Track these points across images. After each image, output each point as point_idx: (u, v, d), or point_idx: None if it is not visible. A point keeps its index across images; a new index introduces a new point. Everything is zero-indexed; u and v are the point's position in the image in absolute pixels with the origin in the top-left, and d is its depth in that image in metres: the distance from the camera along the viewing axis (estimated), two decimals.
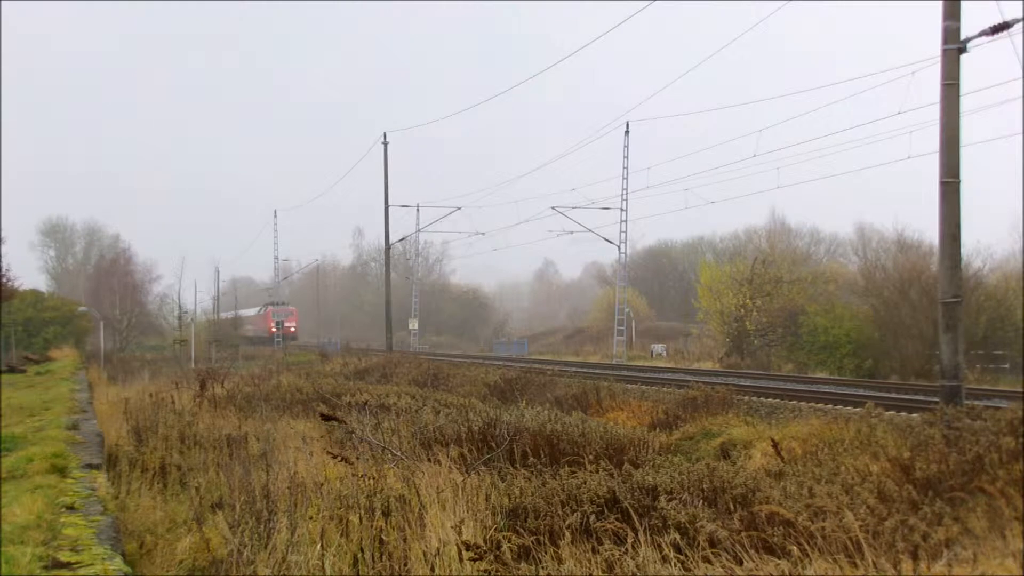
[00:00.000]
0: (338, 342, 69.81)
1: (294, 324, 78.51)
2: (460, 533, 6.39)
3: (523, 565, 6.06)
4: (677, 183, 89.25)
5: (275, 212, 75.39)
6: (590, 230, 48.31)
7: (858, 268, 48.29)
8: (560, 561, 6.27)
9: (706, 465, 8.53)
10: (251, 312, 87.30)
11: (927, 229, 52.90)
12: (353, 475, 8.23)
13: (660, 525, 6.77)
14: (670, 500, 7.23)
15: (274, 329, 73.10)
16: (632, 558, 6.04)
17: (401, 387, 21.32)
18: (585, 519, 7.03)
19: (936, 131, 14.63)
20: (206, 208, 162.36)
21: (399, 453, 9.86)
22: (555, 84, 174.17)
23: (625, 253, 50.85)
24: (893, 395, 21.54)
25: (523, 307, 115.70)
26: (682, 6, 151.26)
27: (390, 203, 49.47)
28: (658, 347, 52.70)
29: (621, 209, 47.52)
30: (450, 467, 9.07)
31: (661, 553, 6.14)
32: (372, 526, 6.63)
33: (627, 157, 46.67)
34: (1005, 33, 13.80)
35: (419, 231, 62.28)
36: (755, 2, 35.33)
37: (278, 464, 9.56)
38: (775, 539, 6.29)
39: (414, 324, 66.53)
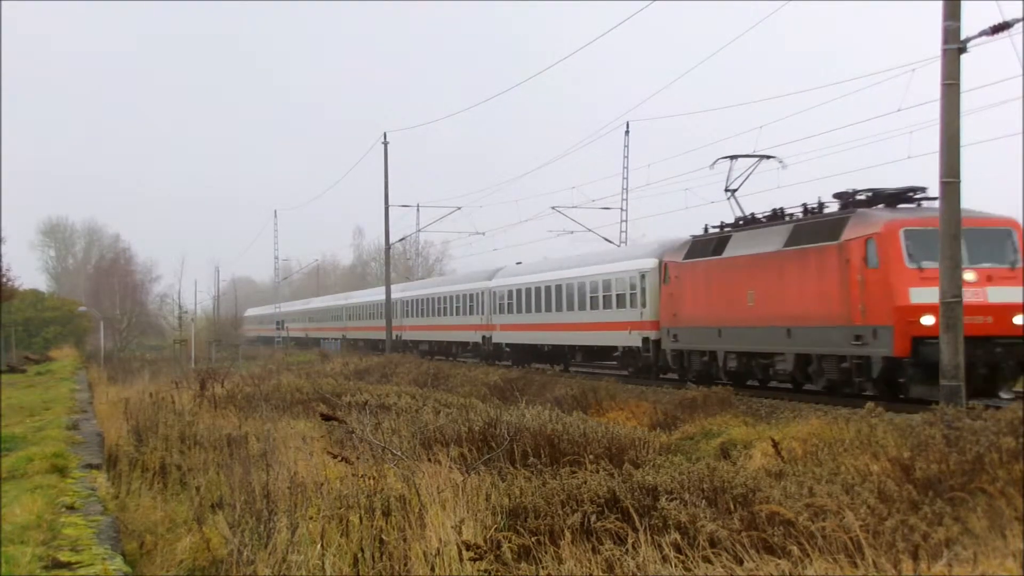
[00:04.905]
0: (338, 341, 69.67)
1: None
2: (460, 533, 6.39)
3: (523, 565, 6.07)
4: (678, 182, 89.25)
5: (275, 212, 75.10)
6: (590, 230, 48.08)
7: None
8: (560, 561, 6.27)
9: (706, 465, 8.52)
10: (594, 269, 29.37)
11: None
12: (353, 475, 8.24)
13: (660, 525, 6.77)
14: (670, 500, 7.22)
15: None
16: (632, 558, 6.04)
17: (401, 387, 21.32)
18: (585, 519, 7.03)
19: (936, 131, 14.64)
20: (206, 208, 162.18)
21: (399, 453, 9.86)
22: (555, 83, 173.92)
23: None
24: None
25: None
26: (682, 6, 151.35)
27: (390, 203, 49.37)
28: None
29: (621, 209, 47.41)
30: (450, 467, 9.07)
31: (661, 553, 6.15)
32: (372, 526, 6.64)
33: (627, 157, 46.61)
34: (1005, 33, 13.79)
35: (419, 231, 62.10)
36: (755, 2, 35.35)
37: (278, 464, 9.55)
38: (775, 539, 6.29)
39: None
